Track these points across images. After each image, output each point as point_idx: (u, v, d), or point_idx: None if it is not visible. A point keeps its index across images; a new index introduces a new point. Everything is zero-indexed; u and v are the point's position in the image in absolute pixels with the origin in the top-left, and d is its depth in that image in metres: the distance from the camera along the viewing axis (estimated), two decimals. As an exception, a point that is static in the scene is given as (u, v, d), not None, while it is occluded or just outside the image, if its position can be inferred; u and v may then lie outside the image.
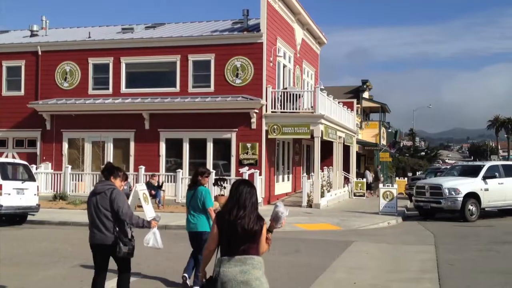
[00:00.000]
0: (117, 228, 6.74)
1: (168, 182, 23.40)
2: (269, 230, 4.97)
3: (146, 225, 6.97)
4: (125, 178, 7.15)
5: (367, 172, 34.60)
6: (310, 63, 32.88)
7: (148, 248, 7.53)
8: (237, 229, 4.69)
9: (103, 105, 25.26)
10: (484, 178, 20.54)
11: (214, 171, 22.95)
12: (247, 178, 20.24)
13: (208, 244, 4.90)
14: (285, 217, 5.02)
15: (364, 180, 32.39)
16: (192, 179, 8.82)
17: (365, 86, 52.04)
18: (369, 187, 33.11)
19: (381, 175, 36.01)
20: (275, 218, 4.99)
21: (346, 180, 31.94)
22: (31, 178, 17.76)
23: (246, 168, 22.63)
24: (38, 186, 18.09)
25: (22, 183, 17.15)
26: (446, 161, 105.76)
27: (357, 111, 39.63)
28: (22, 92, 27.20)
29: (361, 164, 43.58)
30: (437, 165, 62.03)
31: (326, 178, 26.65)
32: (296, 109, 24.05)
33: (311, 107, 24.87)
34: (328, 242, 14.08)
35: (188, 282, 8.48)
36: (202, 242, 8.19)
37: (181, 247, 11.26)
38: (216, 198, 21.62)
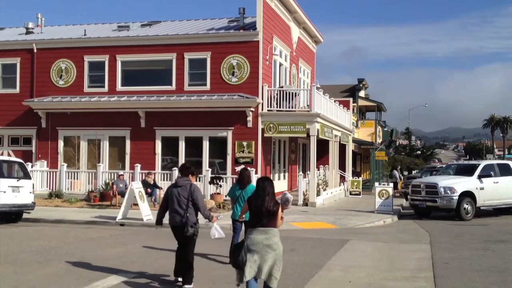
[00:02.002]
0: (187, 214, 8.42)
1: (164, 180, 23.37)
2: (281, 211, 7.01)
3: (210, 218, 8.77)
4: (197, 175, 8.66)
5: (395, 171, 34.06)
6: (306, 61, 32.88)
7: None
8: (262, 209, 6.83)
9: (98, 103, 25.21)
10: (480, 177, 20.59)
11: (210, 170, 22.95)
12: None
13: (242, 212, 7.52)
14: (291, 201, 7.48)
15: (360, 179, 32.36)
16: (241, 179, 10.45)
17: (361, 85, 51.98)
18: (396, 186, 31.64)
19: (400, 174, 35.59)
20: (285, 202, 7.38)
21: (342, 179, 31.96)
22: (27, 176, 17.71)
23: (242, 166, 22.59)
24: (33, 184, 18.02)
25: (18, 181, 17.11)
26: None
27: (353, 109, 39.62)
28: (17, 90, 27.15)
29: (357, 163, 43.60)
30: (434, 164, 62.03)
31: (322, 176, 26.67)
32: (292, 107, 24.02)
33: (307, 105, 24.85)
34: (323, 241, 14.09)
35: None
36: None
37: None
38: (212, 196, 21.65)
